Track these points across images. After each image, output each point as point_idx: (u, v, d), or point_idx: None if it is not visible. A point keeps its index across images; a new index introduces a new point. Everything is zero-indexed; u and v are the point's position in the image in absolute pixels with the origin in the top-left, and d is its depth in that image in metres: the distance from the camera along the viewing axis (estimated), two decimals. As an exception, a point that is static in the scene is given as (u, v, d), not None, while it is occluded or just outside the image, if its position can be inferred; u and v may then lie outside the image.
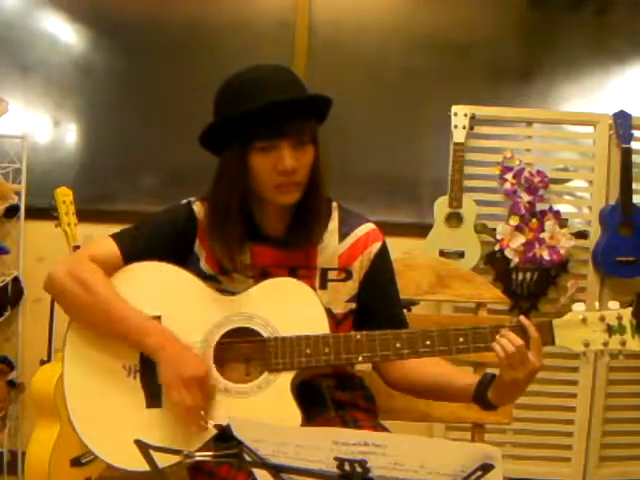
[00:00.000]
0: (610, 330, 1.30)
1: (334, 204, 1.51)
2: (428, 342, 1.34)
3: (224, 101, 1.39)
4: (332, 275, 1.47)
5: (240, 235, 1.41)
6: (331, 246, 1.47)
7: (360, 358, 1.35)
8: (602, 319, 1.31)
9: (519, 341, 1.28)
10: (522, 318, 1.32)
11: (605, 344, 1.31)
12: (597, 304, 1.34)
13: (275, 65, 1.40)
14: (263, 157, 1.35)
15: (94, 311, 1.36)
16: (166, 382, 1.31)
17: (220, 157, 1.42)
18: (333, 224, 1.49)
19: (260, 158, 1.35)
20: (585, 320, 1.31)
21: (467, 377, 1.42)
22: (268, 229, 1.46)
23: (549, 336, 1.32)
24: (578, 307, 1.33)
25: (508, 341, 1.28)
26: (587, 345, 1.31)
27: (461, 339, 1.34)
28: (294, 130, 1.34)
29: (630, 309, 1.31)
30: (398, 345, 1.34)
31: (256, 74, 1.37)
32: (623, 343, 1.30)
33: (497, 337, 1.30)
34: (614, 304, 1.32)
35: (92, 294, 1.36)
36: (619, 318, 1.30)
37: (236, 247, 1.41)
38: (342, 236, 1.49)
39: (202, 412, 1.30)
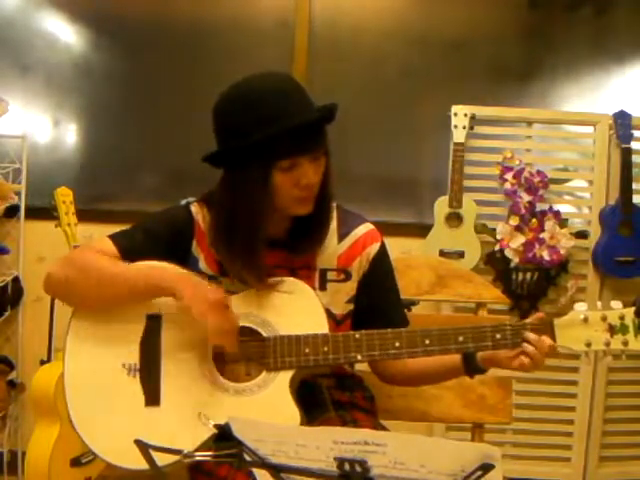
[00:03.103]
0: (612, 330, 1.30)
1: (333, 204, 1.51)
2: (427, 341, 1.34)
3: (240, 124, 1.33)
4: (331, 276, 1.47)
5: (259, 248, 1.39)
6: (330, 246, 1.48)
7: (359, 357, 1.35)
8: (604, 319, 1.30)
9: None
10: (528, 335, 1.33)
11: (607, 344, 1.30)
12: (599, 304, 1.34)
13: (281, 78, 1.37)
14: (285, 175, 1.33)
15: (99, 283, 1.35)
16: (197, 311, 1.29)
17: (232, 177, 1.38)
18: (332, 224, 1.49)
19: (282, 176, 1.33)
20: (587, 320, 1.31)
21: (456, 355, 1.43)
22: (269, 231, 1.46)
23: (550, 335, 1.32)
24: (580, 307, 1.32)
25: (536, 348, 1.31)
26: (589, 345, 1.31)
27: (461, 338, 1.34)
28: (315, 145, 1.34)
29: (633, 309, 1.30)
30: (397, 344, 1.35)
31: (268, 92, 1.33)
32: (625, 343, 1.30)
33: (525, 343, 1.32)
34: (616, 304, 1.32)
35: (92, 268, 1.36)
36: (621, 318, 1.30)
37: (257, 261, 1.39)
38: (341, 237, 1.49)
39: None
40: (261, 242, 1.38)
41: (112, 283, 1.35)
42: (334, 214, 1.50)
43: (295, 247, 1.44)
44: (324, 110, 1.36)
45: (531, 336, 1.32)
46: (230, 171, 1.39)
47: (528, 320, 1.35)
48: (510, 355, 1.34)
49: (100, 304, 1.38)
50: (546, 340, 1.31)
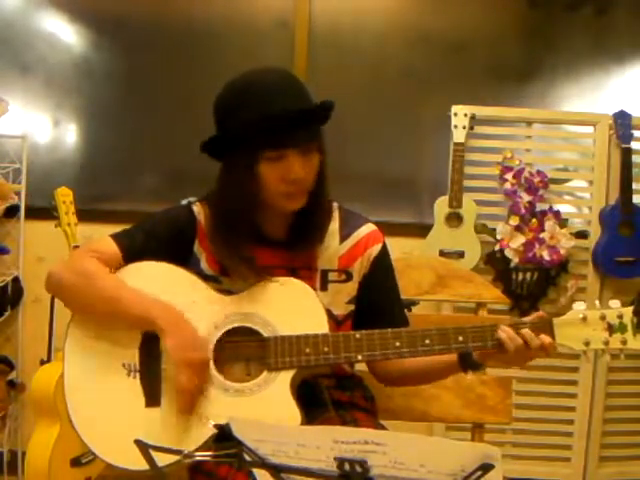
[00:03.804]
0: (611, 329, 1.30)
1: (335, 204, 1.51)
2: (427, 341, 1.34)
3: (230, 109, 1.36)
4: (332, 276, 1.47)
5: (246, 241, 1.41)
6: (332, 247, 1.48)
7: (359, 357, 1.35)
8: (603, 318, 1.31)
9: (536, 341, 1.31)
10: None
11: (606, 343, 1.30)
12: (598, 303, 1.34)
13: (278, 70, 1.39)
14: (272, 166, 1.34)
15: (96, 297, 1.36)
16: (172, 357, 1.31)
17: (224, 164, 1.40)
18: (334, 225, 1.49)
19: (269, 167, 1.34)
20: (585, 318, 1.31)
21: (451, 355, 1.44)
22: (269, 231, 1.46)
23: (549, 334, 1.32)
24: (579, 306, 1.33)
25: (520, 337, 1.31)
26: (587, 344, 1.31)
27: (460, 338, 1.34)
28: (303, 139, 1.34)
29: (631, 308, 1.30)
30: (397, 344, 1.35)
31: (261, 81, 1.35)
32: (624, 342, 1.30)
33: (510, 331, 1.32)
34: (615, 303, 1.32)
35: (92, 281, 1.36)
36: (620, 317, 1.30)
37: (243, 253, 1.40)
38: (343, 237, 1.49)
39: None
40: (248, 230, 1.40)
41: (110, 305, 1.35)
42: (336, 214, 1.50)
43: (293, 246, 1.44)
44: (316, 105, 1.37)
45: (502, 335, 1.32)
46: (223, 160, 1.41)
47: (528, 319, 1.35)
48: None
49: (95, 318, 1.39)
50: (545, 339, 1.31)
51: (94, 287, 1.36)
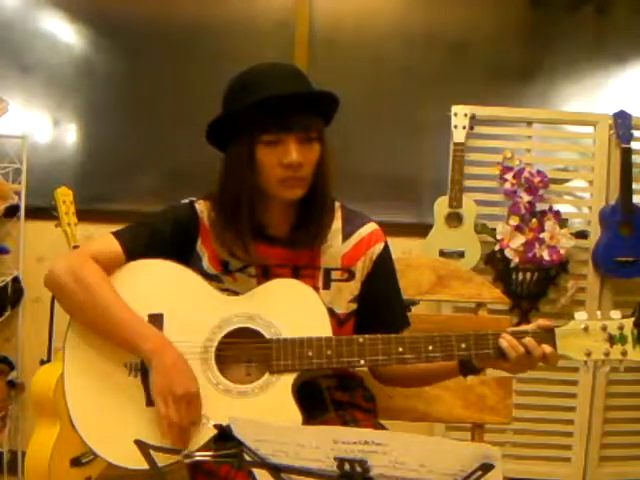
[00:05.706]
0: (612, 340, 1.30)
1: (337, 204, 1.52)
2: (430, 347, 1.34)
3: (231, 96, 1.40)
4: (335, 275, 1.47)
5: (250, 227, 1.41)
6: (334, 246, 1.48)
7: (362, 362, 1.35)
8: (604, 329, 1.31)
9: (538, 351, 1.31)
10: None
11: (606, 354, 1.31)
12: (599, 313, 1.34)
13: (283, 62, 1.43)
14: (269, 151, 1.35)
15: (92, 312, 1.35)
16: (156, 392, 1.30)
17: (226, 153, 1.42)
18: (336, 224, 1.49)
19: (266, 152, 1.36)
20: (587, 329, 1.31)
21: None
22: (272, 228, 1.47)
23: (551, 344, 1.32)
24: (580, 316, 1.33)
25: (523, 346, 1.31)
26: (589, 354, 1.31)
27: (463, 345, 1.34)
28: (300, 125, 1.35)
29: (632, 319, 1.31)
30: (400, 350, 1.34)
31: (264, 70, 1.39)
32: (624, 353, 1.30)
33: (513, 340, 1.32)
34: (616, 313, 1.32)
35: (91, 295, 1.35)
36: (621, 328, 1.30)
37: (249, 238, 1.41)
38: (345, 236, 1.50)
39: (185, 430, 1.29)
40: (249, 219, 1.40)
41: (107, 322, 1.34)
42: (338, 214, 1.50)
43: (296, 243, 1.44)
44: (312, 91, 1.40)
45: (504, 343, 1.32)
46: (225, 148, 1.42)
47: (530, 327, 1.35)
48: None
49: (88, 328, 1.38)
50: (547, 348, 1.31)
51: (90, 300, 1.34)
